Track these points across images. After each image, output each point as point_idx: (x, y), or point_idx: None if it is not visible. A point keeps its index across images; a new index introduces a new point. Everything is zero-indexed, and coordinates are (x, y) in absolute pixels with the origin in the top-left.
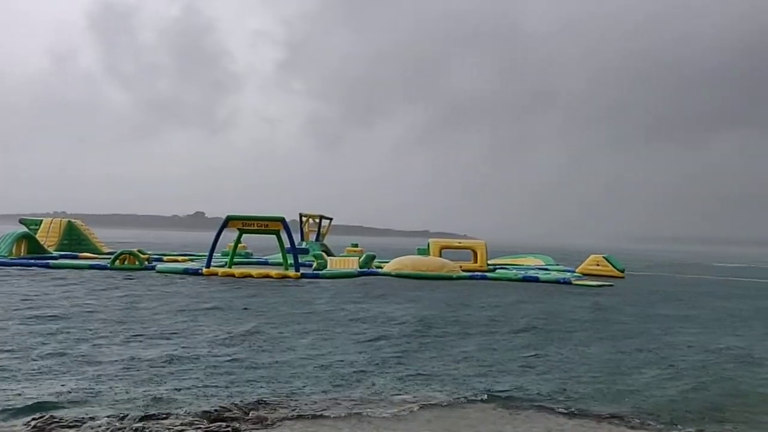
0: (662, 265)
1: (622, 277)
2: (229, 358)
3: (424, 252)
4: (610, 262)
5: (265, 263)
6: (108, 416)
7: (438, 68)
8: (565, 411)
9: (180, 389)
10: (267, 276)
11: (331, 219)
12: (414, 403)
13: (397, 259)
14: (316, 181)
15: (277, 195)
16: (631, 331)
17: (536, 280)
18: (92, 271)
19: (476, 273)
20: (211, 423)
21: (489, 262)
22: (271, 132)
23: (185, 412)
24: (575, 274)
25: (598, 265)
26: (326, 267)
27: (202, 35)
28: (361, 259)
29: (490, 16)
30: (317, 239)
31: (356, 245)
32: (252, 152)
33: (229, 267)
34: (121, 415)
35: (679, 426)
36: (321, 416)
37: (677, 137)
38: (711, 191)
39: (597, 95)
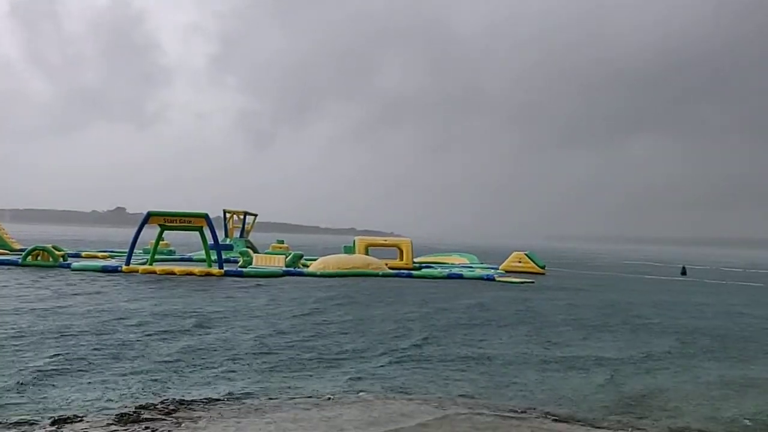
0: (577, 262)
1: (543, 274)
2: (150, 357)
3: (350, 250)
4: (531, 259)
5: (189, 260)
6: (16, 423)
7: (369, 67)
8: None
9: (91, 392)
10: (190, 273)
11: (255, 215)
12: (303, 397)
13: (323, 257)
14: (246, 177)
15: (205, 191)
16: (547, 325)
17: (460, 277)
18: None
19: (402, 271)
20: (127, 425)
21: (415, 260)
22: (202, 127)
23: (100, 415)
24: (498, 271)
25: (520, 262)
26: (252, 264)
27: (132, 27)
28: (288, 258)
29: (421, 15)
30: (241, 236)
31: (282, 242)
32: (181, 147)
33: (150, 264)
34: (32, 421)
35: (595, 419)
36: (246, 415)
37: (590, 139)
38: (622, 191)
39: (518, 95)
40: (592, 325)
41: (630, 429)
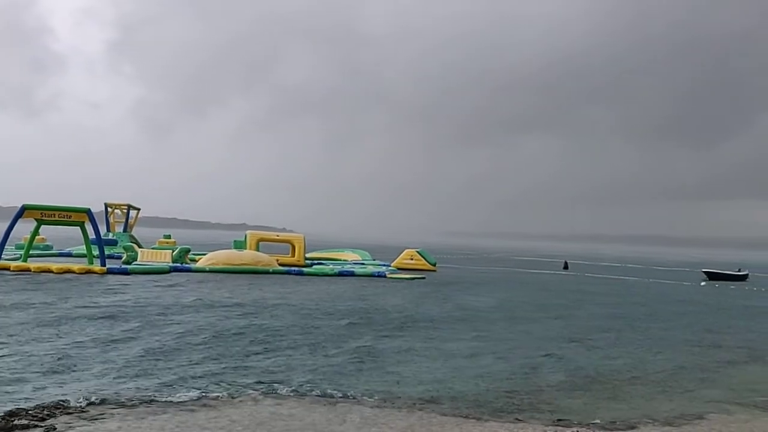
0: (470, 258)
1: (434, 270)
2: (22, 360)
3: (241, 245)
4: (423, 257)
5: (69, 255)
6: None
7: (273, 62)
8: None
9: None
10: (68, 271)
11: (138, 209)
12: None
13: (212, 253)
14: (140, 170)
15: (95, 184)
16: (430, 321)
17: (352, 274)
18: None
19: (293, 268)
20: None
21: (307, 256)
22: (96, 117)
23: None
24: (390, 268)
25: (412, 259)
26: (137, 260)
27: (21, 10)
28: (175, 252)
29: (330, 12)
30: (125, 230)
31: (169, 237)
32: (72, 137)
33: (24, 261)
34: None
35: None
36: (125, 418)
37: (488, 139)
38: (515, 189)
39: (420, 97)
40: (479, 319)
41: (517, 421)
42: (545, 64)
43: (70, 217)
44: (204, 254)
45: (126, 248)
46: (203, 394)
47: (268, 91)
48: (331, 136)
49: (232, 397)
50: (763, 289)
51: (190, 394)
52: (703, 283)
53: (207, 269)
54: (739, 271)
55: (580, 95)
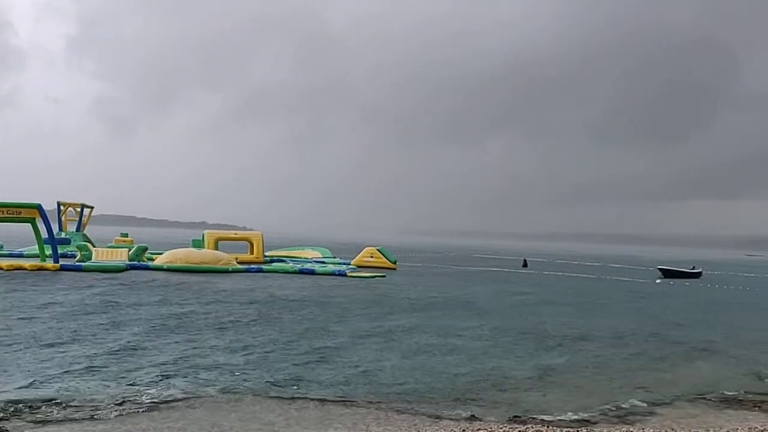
0: (431, 256)
1: (395, 269)
2: None
3: (199, 244)
4: (383, 255)
5: (20, 256)
6: None
7: (238, 59)
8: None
9: None
10: (19, 268)
11: (92, 207)
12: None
13: (170, 251)
14: (100, 167)
15: (54, 180)
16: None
17: (312, 272)
18: None
19: (252, 266)
20: None
21: (266, 254)
22: (55, 113)
23: None
24: (350, 266)
25: (372, 257)
26: (91, 259)
27: None
28: (132, 251)
29: (292, 9)
30: (78, 229)
31: (126, 235)
32: (31, 133)
33: None
34: None
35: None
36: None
37: (457, 140)
38: (478, 189)
39: (394, 98)
40: (436, 317)
41: (472, 418)
42: (516, 68)
43: (20, 213)
44: (161, 253)
45: (80, 247)
46: (159, 393)
47: (236, 91)
48: (299, 135)
49: (189, 397)
50: (716, 286)
51: (146, 394)
52: (658, 281)
53: (165, 267)
54: (693, 268)
55: (548, 97)
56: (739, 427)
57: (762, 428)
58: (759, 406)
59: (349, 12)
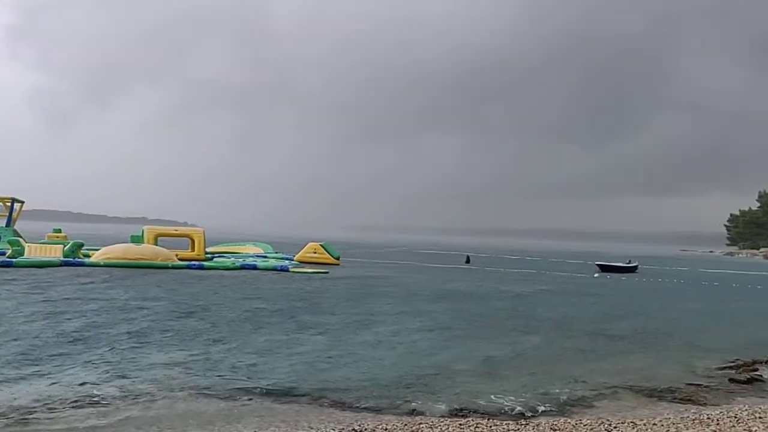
0: (374, 251)
1: (338, 264)
2: None
3: (138, 240)
4: (326, 250)
5: None
6: None
7: (183, 53)
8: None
9: None
10: None
11: (23, 202)
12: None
13: (107, 247)
14: (34, 160)
15: None
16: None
17: (254, 268)
18: None
19: (193, 262)
20: None
21: (207, 250)
22: None
23: None
24: (293, 261)
25: (315, 252)
26: (23, 254)
27: None
28: (67, 247)
29: (238, 9)
30: (8, 224)
31: (59, 231)
32: None
33: None
34: None
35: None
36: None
37: (395, 136)
38: (419, 184)
39: (330, 94)
40: (378, 312)
41: (414, 412)
42: (449, 64)
43: None
44: (98, 249)
45: (11, 243)
46: (94, 391)
47: (177, 85)
48: (241, 131)
49: (127, 395)
50: (651, 280)
51: (80, 392)
52: (596, 275)
53: (102, 264)
54: (629, 263)
55: (481, 94)
56: (672, 417)
57: (693, 418)
58: (691, 398)
59: (291, 5)
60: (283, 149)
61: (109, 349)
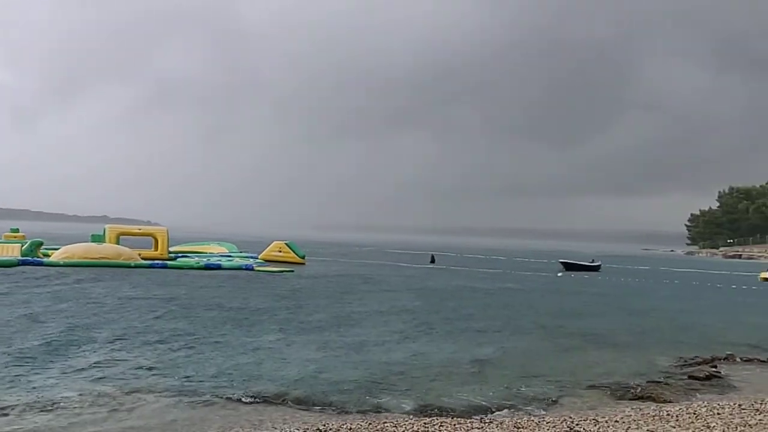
0: (340, 251)
1: (303, 263)
2: None
3: (99, 239)
4: (291, 249)
5: None
6: None
7: (150, 51)
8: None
9: None
10: None
11: None
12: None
13: (67, 246)
14: None
15: None
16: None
17: (219, 267)
18: None
19: (156, 261)
20: None
21: (171, 249)
22: None
23: None
24: (258, 260)
25: (280, 251)
26: None
27: None
28: (25, 246)
29: (209, 4)
30: None
31: (17, 230)
32: None
33: None
34: None
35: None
36: None
37: (366, 135)
38: (387, 184)
39: (302, 93)
40: (341, 313)
41: (379, 411)
42: (422, 65)
43: None
44: (58, 248)
45: None
46: (54, 394)
47: (145, 84)
48: (211, 130)
49: (87, 397)
50: (613, 278)
51: (41, 395)
52: (560, 274)
53: (62, 263)
54: (592, 261)
55: (452, 95)
56: (633, 414)
57: (654, 415)
58: (651, 395)
59: (263, 4)
60: (254, 149)
61: (71, 352)
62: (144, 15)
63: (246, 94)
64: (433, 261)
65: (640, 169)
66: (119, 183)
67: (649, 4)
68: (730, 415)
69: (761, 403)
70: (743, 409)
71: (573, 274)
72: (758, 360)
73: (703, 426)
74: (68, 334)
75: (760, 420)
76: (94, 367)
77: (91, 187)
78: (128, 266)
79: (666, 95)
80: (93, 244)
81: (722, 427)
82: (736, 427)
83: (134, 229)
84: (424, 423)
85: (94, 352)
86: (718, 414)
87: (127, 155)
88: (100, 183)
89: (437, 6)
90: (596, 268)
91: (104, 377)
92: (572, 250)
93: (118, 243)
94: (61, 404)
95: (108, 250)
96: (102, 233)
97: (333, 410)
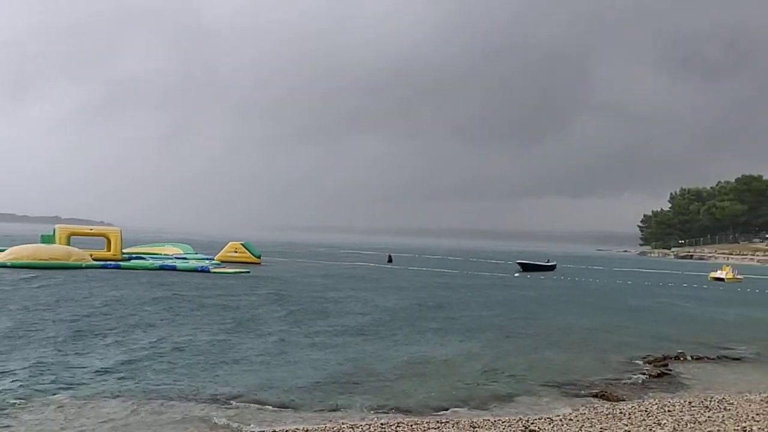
0: (296, 251)
1: (259, 263)
2: None
3: (49, 239)
4: (248, 249)
5: None
6: None
7: (106, 50)
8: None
9: None
10: None
11: None
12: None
13: (15, 247)
14: None
15: None
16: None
17: (174, 269)
18: None
19: (109, 262)
20: None
21: (125, 250)
22: None
23: None
24: (214, 261)
25: (236, 252)
26: None
27: None
28: None
29: (169, 7)
30: None
31: None
32: None
33: None
34: None
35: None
36: None
37: (323, 137)
38: (344, 185)
39: (260, 94)
40: (297, 312)
41: (337, 412)
42: (379, 67)
43: None
44: (5, 249)
45: None
46: (4, 398)
47: (102, 82)
48: (169, 130)
49: (39, 400)
50: (568, 278)
51: None
52: (516, 274)
53: (9, 264)
54: (548, 262)
55: (409, 97)
56: (586, 413)
57: (607, 413)
58: (605, 393)
59: (223, 3)
60: (212, 150)
61: (20, 355)
62: (100, 14)
63: (204, 94)
64: (390, 261)
65: (595, 170)
66: (72, 183)
67: (603, 7)
68: (681, 412)
69: (710, 401)
70: (693, 406)
71: (529, 274)
72: (708, 358)
73: (654, 423)
74: (16, 337)
75: (709, 417)
76: (43, 369)
77: (43, 187)
78: (79, 267)
79: (620, 97)
80: (42, 244)
81: (672, 425)
82: (686, 424)
83: (86, 229)
84: (381, 423)
85: (42, 354)
86: (669, 411)
87: (81, 155)
88: (52, 183)
89: (396, 6)
90: (552, 268)
91: (53, 381)
92: (528, 250)
93: (68, 244)
94: (6, 408)
95: (58, 250)
96: (52, 234)
97: (290, 411)
